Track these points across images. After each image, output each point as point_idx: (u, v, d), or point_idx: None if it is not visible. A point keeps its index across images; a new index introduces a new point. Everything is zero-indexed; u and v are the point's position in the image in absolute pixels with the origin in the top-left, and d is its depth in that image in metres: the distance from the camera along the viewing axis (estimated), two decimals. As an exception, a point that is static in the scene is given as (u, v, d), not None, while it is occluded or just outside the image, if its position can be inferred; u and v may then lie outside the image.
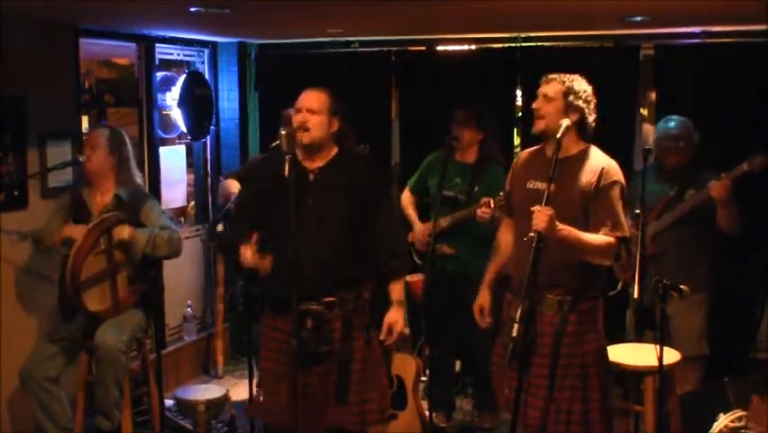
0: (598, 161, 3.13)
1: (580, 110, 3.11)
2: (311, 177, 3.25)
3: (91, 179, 3.99)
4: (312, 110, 3.21)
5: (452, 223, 4.32)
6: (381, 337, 3.30)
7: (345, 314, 3.23)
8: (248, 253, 3.23)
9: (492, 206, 4.04)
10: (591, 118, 3.15)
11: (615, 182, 3.09)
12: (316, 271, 3.13)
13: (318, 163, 3.27)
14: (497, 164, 4.42)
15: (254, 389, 3.50)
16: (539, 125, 3.13)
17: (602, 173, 3.08)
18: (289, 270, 3.01)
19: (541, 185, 3.11)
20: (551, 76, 3.16)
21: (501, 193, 3.99)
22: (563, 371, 3.11)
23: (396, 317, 3.30)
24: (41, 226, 4.01)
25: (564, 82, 3.11)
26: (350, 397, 3.24)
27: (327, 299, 3.19)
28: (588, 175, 3.09)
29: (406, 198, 4.67)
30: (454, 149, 4.35)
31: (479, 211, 4.09)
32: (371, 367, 3.33)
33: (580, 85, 3.13)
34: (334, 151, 3.31)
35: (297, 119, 3.22)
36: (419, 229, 4.54)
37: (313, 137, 3.20)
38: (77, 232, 3.76)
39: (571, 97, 3.09)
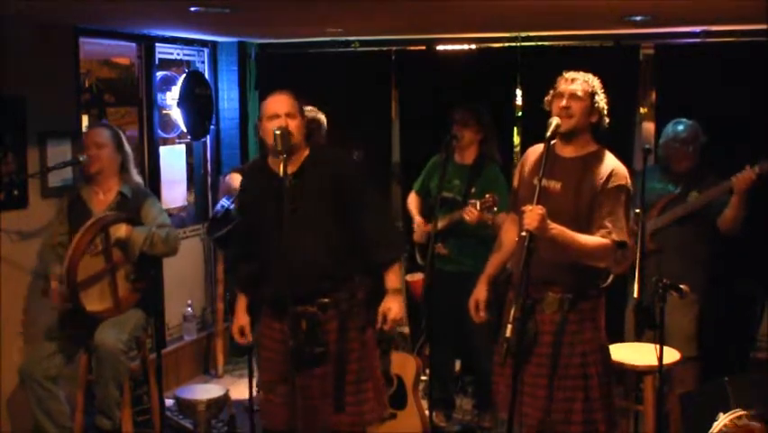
0: (609, 164, 3.13)
1: (600, 111, 3.14)
2: (286, 182, 3.23)
3: (97, 177, 3.99)
4: (291, 114, 3.17)
5: (449, 224, 4.33)
6: (378, 327, 3.27)
7: (340, 315, 3.22)
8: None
9: (478, 208, 4.05)
10: (606, 120, 3.18)
11: (621, 186, 3.09)
12: (307, 273, 3.11)
13: (291, 168, 3.18)
14: (494, 165, 4.43)
15: (255, 390, 3.50)
16: (570, 123, 3.11)
17: (611, 175, 3.08)
18: (281, 273, 3.01)
19: (547, 182, 3.11)
20: (572, 75, 3.15)
21: (488, 195, 4.01)
22: (564, 370, 3.11)
23: (389, 305, 3.27)
24: (43, 241, 4.02)
25: (588, 81, 3.13)
26: (346, 398, 3.23)
27: (321, 301, 3.18)
28: (597, 176, 3.09)
29: (412, 199, 4.68)
30: (454, 149, 4.35)
31: (464, 213, 4.10)
32: (368, 368, 3.32)
33: (599, 86, 3.16)
34: (306, 152, 3.27)
35: (275, 124, 3.13)
36: (418, 222, 4.55)
37: (296, 141, 3.17)
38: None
39: (596, 98, 3.13)
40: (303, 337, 3.11)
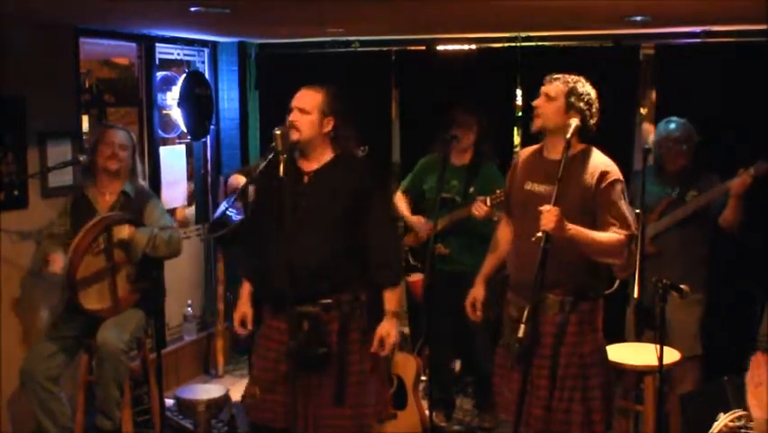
0: (597, 162, 3.12)
1: (581, 112, 3.10)
2: (305, 179, 3.23)
3: (102, 178, 3.99)
4: (303, 110, 3.17)
5: (449, 223, 4.33)
6: (372, 350, 3.23)
7: (342, 316, 3.20)
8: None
9: (488, 203, 4.06)
10: (592, 122, 3.14)
11: (615, 181, 3.08)
12: (311, 272, 3.11)
13: (313, 166, 3.24)
14: (491, 164, 4.44)
15: (249, 387, 3.48)
16: (537, 123, 3.14)
17: (601, 175, 3.07)
18: (285, 271, 3.01)
19: (538, 187, 3.12)
20: (555, 76, 3.15)
21: (498, 191, 4.02)
22: (564, 371, 3.11)
23: (388, 329, 3.23)
24: (43, 233, 4.02)
25: (567, 83, 3.11)
26: (347, 399, 3.22)
27: (323, 301, 3.17)
28: (587, 176, 3.09)
29: (400, 199, 4.63)
30: (452, 151, 4.34)
31: (473, 208, 4.11)
32: (369, 369, 3.31)
33: (583, 87, 3.13)
34: (331, 154, 3.27)
35: (289, 118, 3.20)
36: (416, 221, 4.52)
37: (300, 137, 3.16)
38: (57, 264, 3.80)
39: (572, 98, 3.09)
40: (304, 338, 3.11)
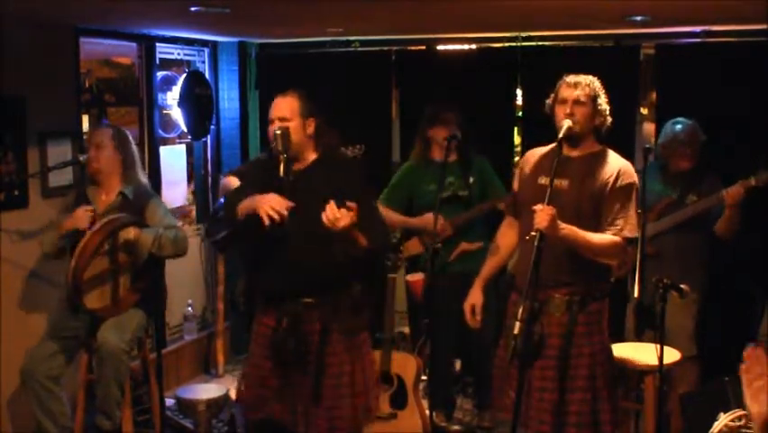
0: (616, 162, 3.15)
1: (603, 114, 3.16)
2: (287, 181, 3.19)
3: (97, 177, 4.00)
4: (284, 118, 3.17)
5: (467, 220, 4.35)
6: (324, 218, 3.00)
7: (323, 317, 3.19)
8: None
9: None
10: (609, 121, 3.19)
11: (631, 184, 3.11)
12: (294, 270, 3.12)
13: (298, 166, 3.23)
14: (479, 156, 4.49)
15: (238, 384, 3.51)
16: (573, 128, 3.10)
17: (619, 174, 3.10)
18: (272, 269, 3.10)
19: (555, 181, 3.11)
20: (574, 79, 3.15)
21: None
22: (573, 372, 3.11)
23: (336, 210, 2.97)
24: (43, 235, 4.02)
25: (590, 85, 3.14)
26: (323, 401, 3.19)
27: (305, 300, 3.16)
28: (604, 174, 3.11)
29: (387, 212, 4.29)
30: (450, 152, 4.33)
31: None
32: (348, 373, 3.25)
33: (600, 88, 3.18)
34: (314, 154, 3.27)
35: (270, 130, 3.18)
36: (421, 220, 4.41)
37: (291, 142, 3.16)
38: (78, 219, 3.78)
39: (598, 101, 3.14)
40: (283, 334, 3.15)
